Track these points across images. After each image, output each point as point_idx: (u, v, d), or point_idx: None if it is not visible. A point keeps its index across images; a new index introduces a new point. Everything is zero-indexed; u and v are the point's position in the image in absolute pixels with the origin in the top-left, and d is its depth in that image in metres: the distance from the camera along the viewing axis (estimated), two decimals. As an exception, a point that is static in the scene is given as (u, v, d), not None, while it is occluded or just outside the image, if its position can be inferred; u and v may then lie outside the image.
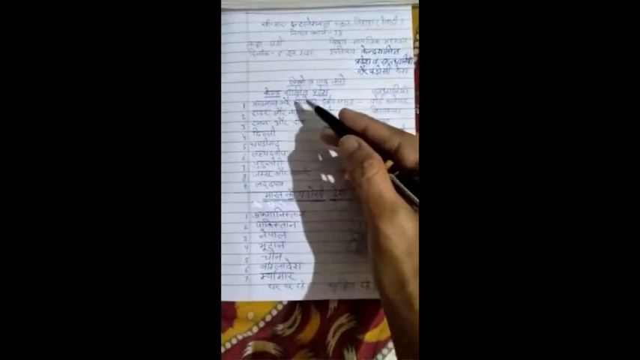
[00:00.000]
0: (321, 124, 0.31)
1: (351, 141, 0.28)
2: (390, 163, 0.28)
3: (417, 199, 0.26)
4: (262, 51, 0.34)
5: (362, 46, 0.34)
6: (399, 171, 0.28)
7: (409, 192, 0.27)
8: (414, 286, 0.24)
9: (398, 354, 0.27)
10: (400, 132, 0.29)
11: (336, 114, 0.32)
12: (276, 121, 0.33)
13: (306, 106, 0.33)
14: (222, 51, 0.33)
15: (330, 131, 0.31)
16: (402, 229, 0.25)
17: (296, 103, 0.33)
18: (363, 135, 0.29)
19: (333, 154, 0.33)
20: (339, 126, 0.30)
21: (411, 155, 0.27)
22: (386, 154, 0.28)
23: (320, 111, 0.31)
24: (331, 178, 0.33)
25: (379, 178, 0.26)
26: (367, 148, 0.28)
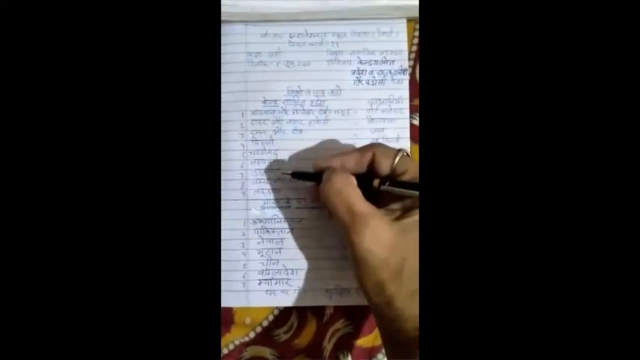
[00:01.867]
0: (317, 133, 0.32)
1: (326, 172, 0.29)
2: (377, 181, 0.28)
3: (415, 193, 0.27)
4: (261, 61, 0.34)
5: (358, 57, 0.34)
6: (381, 181, 0.28)
7: (405, 191, 0.27)
8: (392, 289, 0.25)
9: (387, 353, 0.28)
10: (371, 145, 0.30)
11: (333, 122, 0.34)
12: (274, 130, 0.34)
13: (283, 175, 0.33)
14: (221, 61, 0.34)
15: (314, 189, 0.31)
16: (376, 237, 0.25)
17: (276, 172, 0.34)
18: None
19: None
20: (318, 177, 0.29)
21: (385, 162, 0.28)
22: (369, 173, 0.29)
23: (296, 174, 0.32)
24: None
25: (348, 191, 0.27)
26: (335, 169, 0.28)
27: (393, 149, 0.29)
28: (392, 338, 0.26)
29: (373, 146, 0.29)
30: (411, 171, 0.28)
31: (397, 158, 0.28)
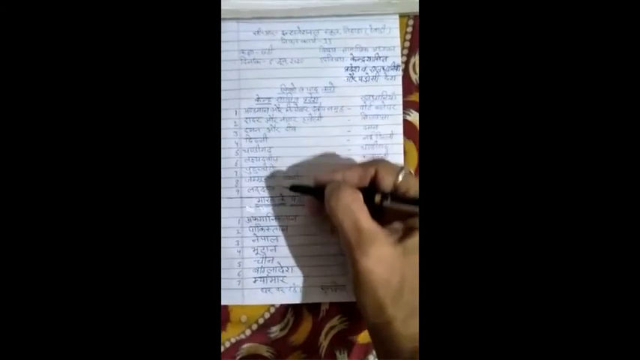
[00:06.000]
0: (311, 130, 0.32)
1: (330, 185, 0.28)
2: (378, 197, 0.28)
3: (415, 209, 0.27)
4: (254, 59, 0.34)
5: (351, 54, 0.34)
6: (383, 197, 0.28)
7: (406, 206, 0.27)
8: (391, 310, 0.25)
9: None
10: (374, 160, 0.30)
11: (326, 119, 0.34)
12: (267, 127, 0.34)
13: (284, 185, 0.33)
14: (214, 59, 0.34)
15: (314, 203, 0.31)
16: (379, 258, 0.25)
17: (278, 187, 0.34)
18: None
19: (324, 158, 0.34)
20: (319, 192, 0.29)
21: (389, 179, 0.28)
22: (370, 188, 0.29)
23: (296, 187, 0.32)
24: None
25: (355, 207, 0.26)
26: (340, 183, 0.28)
27: (395, 166, 0.29)
28: (389, 357, 0.26)
29: (376, 162, 0.29)
30: (414, 188, 0.28)
31: (400, 176, 0.28)
